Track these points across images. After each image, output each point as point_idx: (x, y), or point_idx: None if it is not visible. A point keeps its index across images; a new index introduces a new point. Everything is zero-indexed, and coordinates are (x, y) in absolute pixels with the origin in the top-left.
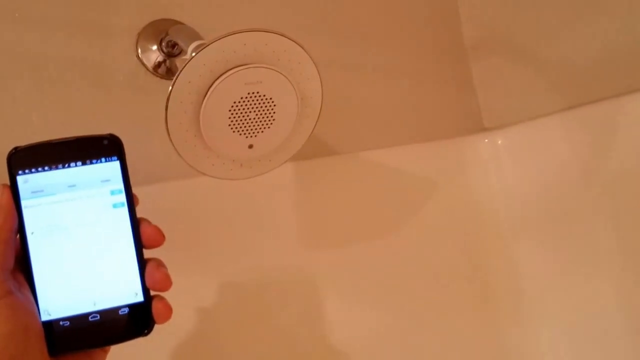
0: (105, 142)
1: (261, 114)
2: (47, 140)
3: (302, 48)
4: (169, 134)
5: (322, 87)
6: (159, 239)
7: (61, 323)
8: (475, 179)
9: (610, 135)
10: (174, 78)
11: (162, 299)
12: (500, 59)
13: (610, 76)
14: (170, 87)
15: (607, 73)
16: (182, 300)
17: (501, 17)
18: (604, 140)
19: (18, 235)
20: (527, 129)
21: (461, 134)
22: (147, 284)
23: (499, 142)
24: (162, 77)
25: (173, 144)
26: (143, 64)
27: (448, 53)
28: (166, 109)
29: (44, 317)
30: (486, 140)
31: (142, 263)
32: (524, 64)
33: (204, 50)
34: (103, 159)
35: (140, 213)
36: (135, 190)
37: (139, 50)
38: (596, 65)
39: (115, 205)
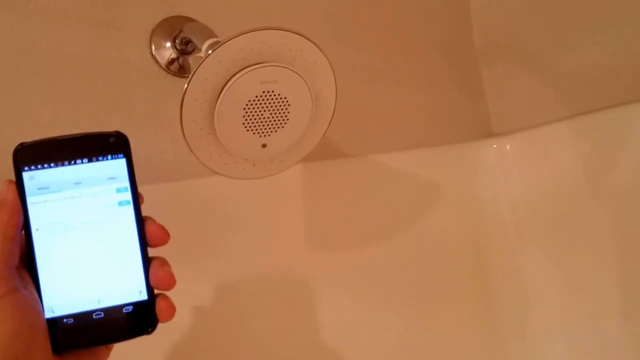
0: (112, 139)
1: (275, 113)
2: (53, 137)
3: (319, 48)
4: (183, 132)
5: (336, 87)
6: (164, 237)
7: (65, 320)
8: (482, 184)
9: (618, 143)
10: (191, 75)
11: (166, 297)
12: (510, 65)
13: (619, 85)
14: (186, 85)
15: (616, 81)
16: (185, 299)
17: (513, 23)
18: (612, 148)
19: (23, 232)
20: (536, 135)
21: (470, 139)
22: (151, 282)
23: (507, 147)
24: (174, 74)
25: (187, 142)
26: (156, 61)
27: (459, 58)
28: (181, 107)
29: (48, 315)
30: (495, 146)
31: (147, 261)
32: (534, 70)
33: (221, 47)
34: (109, 157)
35: (150, 211)
36: (145, 188)
37: (153, 47)
38: (605, 73)
39: (120, 203)
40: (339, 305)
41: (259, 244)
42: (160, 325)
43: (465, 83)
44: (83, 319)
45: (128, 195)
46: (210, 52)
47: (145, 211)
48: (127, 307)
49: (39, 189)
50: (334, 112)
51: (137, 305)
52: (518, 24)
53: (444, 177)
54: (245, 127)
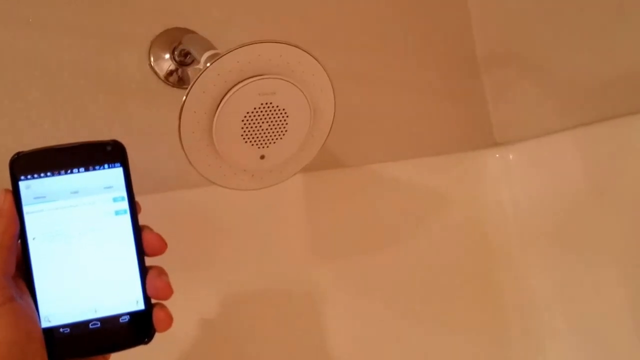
0: (109, 148)
1: (274, 125)
2: (50, 146)
3: (316, 60)
4: (181, 143)
5: (335, 99)
6: (161, 246)
7: (61, 330)
8: (485, 194)
9: (622, 153)
10: (189, 87)
11: (163, 307)
12: (512, 73)
13: (623, 94)
14: (184, 97)
15: (620, 91)
16: (184, 308)
17: (514, 31)
18: (615, 158)
19: (19, 241)
20: (539, 145)
21: (472, 149)
22: (148, 292)
23: (510, 157)
24: (173, 85)
25: (185, 153)
26: (155, 72)
27: (460, 66)
28: (179, 118)
29: (44, 324)
30: (497, 155)
31: (144, 271)
32: (537, 79)
33: (219, 60)
34: (106, 165)
35: (148, 221)
36: (144, 198)
37: (152, 59)
38: (609, 82)
39: (117, 213)
40: (342, 313)
41: (259, 253)
42: (157, 335)
43: (467, 91)
44: (79, 328)
45: (125, 205)
46: (208, 64)
47: (143, 220)
48: (124, 317)
49: (35, 198)
50: (332, 123)
51: (134, 315)
52: (520, 33)
53: (446, 187)
54: (244, 138)
